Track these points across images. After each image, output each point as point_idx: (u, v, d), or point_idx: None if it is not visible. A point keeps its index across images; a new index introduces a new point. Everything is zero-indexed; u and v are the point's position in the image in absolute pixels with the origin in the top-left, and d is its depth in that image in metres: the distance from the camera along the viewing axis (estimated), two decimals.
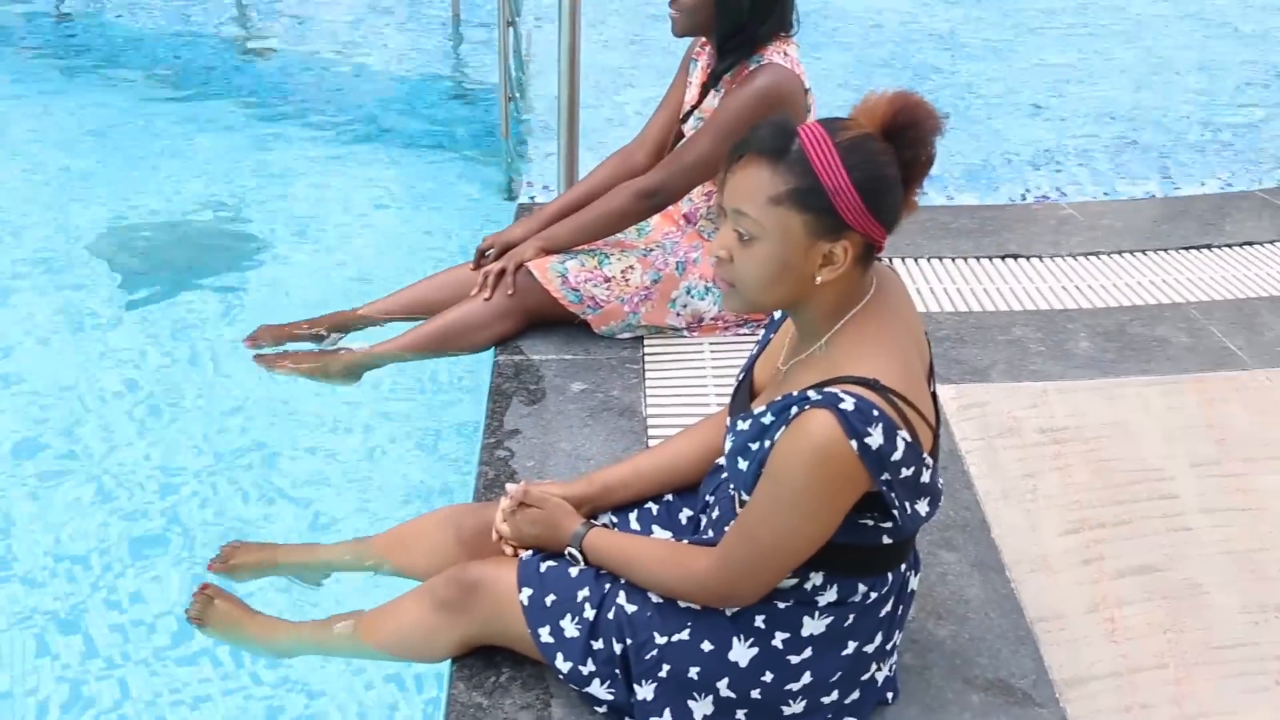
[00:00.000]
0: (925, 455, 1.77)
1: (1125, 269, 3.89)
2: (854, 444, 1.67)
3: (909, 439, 1.72)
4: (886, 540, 1.86)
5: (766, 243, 1.72)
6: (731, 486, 1.94)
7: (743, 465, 1.86)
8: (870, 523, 1.83)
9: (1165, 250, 4.05)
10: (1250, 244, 4.11)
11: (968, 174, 5.07)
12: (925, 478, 1.79)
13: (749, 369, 2.06)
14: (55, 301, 3.78)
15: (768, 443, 1.79)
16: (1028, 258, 3.95)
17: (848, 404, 1.68)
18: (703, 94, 3.13)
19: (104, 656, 2.52)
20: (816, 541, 1.80)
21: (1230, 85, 6.34)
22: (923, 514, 1.83)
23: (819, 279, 1.75)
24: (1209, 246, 4.08)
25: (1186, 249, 4.07)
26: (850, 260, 1.74)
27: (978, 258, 3.94)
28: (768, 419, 1.81)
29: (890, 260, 3.84)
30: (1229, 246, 4.10)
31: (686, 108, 3.19)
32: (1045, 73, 6.43)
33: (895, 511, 1.77)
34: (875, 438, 1.68)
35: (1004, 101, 6.00)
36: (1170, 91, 6.21)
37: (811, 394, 1.73)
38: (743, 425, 1.88)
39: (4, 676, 2.45)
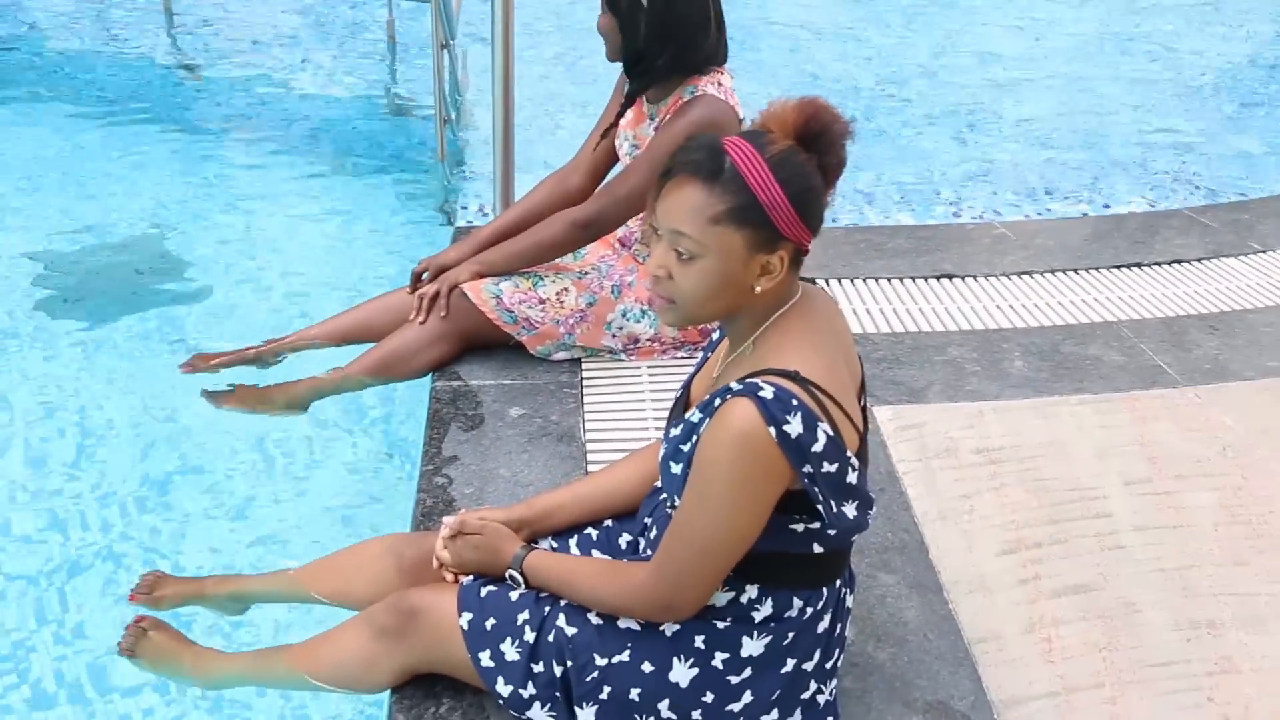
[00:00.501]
0: (849, 454, 1.79)
1: (1058, 288, 3.94)
2: (772, 430, 1.70)
3: (830, 432, 1.74)
4: (818, 548, 1.87)
5: (707, 260, 1.75)
6: (665, 496, 1.95)
7: (675, 469, 1.88)
8: (799, 527, 1.84)
9: (1097, 269, 4.11)
10: (1179, 262, 4.19)
11: (903, 194, 5.12)
12: (851, 478, 1.81)
13: (686, 386, 2.08)
14: None
15: (697, 439, 1.81)
16: (963, 277, 3.99)
17: (766, 392, 1.71)
18: (621, 112, 3.17)
19: (35, 692, 2.48)
20: (746, 537, 1.81)
21: (1160, 105, 6.45)
22: (850, 517, 1.84)
23: (758, 289, 1.79)
24: (1139, 265, 4.15)
25: (1118, 267, 4.13)
26: (785, 268, 1.79)
27: (913, 278, 3.97)
28: (695, 418, 1.83)
29: (828, 281, 3.87)
30: (1159, 265, 4.16)
31: (620, 137, 3.20)
32: (978, 93, 6.51)
33: (820, 508, 1.79)
34: (794, 426, 1.71)
35: (937, 122, 6.06)
36: (1101, 111, 6.31)
37: (734, 384, 1.76)
38: (675, 431, 1.90)
39: None
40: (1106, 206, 5.05)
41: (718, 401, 1.77)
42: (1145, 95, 6.59)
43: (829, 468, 1.76)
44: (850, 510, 1.83)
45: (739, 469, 1.74)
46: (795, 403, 1.72)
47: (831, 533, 1.85)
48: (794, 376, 1.75)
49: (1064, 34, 7.72)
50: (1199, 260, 4.21)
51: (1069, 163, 5.55)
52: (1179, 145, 5.86)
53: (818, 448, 1.74)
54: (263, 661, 2.37)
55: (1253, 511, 2.79)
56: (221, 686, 2.42)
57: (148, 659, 2.44)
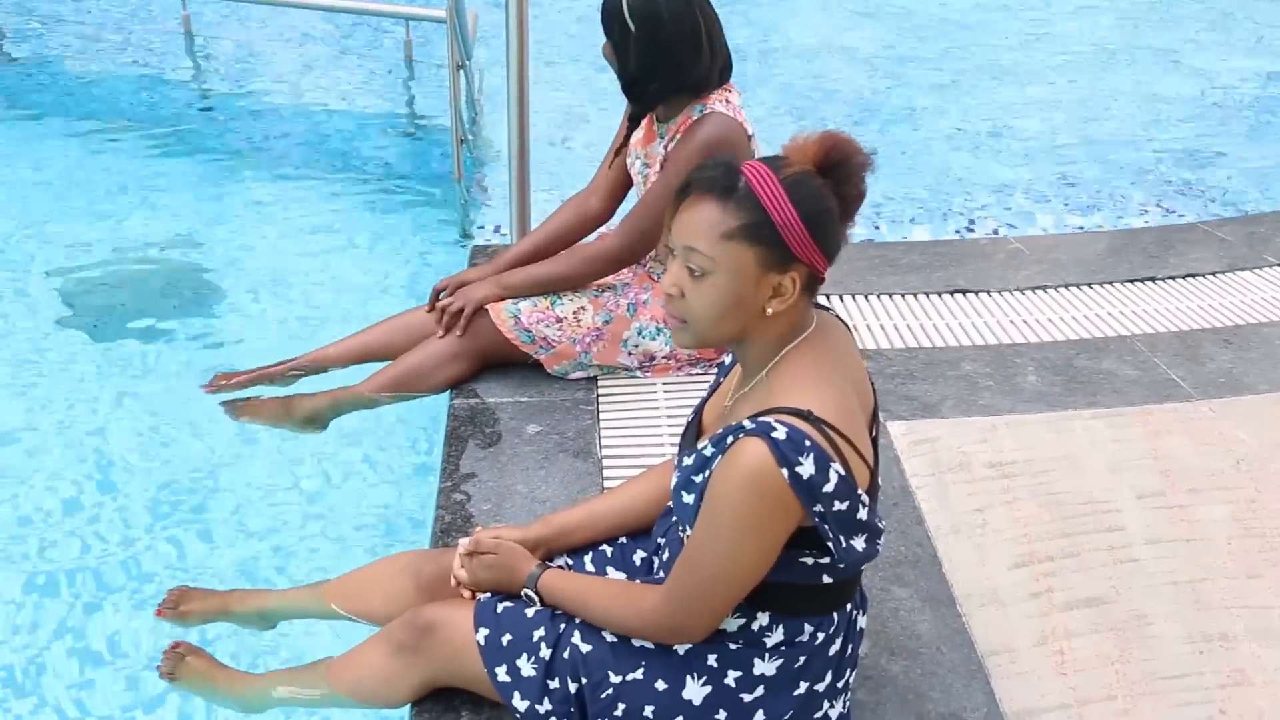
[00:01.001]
0: (860, 492, 1.81)
1: (1072, 302, 3.96)
2: (785, 472, 1.71)
3: (842, 472, 1.76)
4: (827, 579, 1.89)
5: (719, 277, 1.77)
6: (677, 522, 1.97)
7: (688, 499, 1.90)
8: (809, 560, 1.86)
9: (1111, 283, 4.12)
10: (1193, 275, 4.19)
11: (918, 210, 5.14)
12: (862, 514, 1.83)
13: (698, 411, 2.10)
14: (10, 345, 3.78)
15: (709, 474, 1.83)
16: (976, 293, 4.01)
17: (780, 433, 1.73)
18: (627, 137, 3.22)
19: (59, 709, 2.52)
20: (755, 571, 1.83)
21: (1174, 118, 6.46)
22: (859, 550, 1.86)
23: (769, 310, 1.81)
24: (1153, 279, 4.16)
25: (1132, 281, 4.14)
26: (798, 291, 1.80)
27: (927, 294, 3.99)
28: (708, 451, 1.85)
29: (841, 297, 3.90)
30: (1172, 279, 4.17)
31: (631, 157, 3.24)
32: (993, 109, 6.53)
33: (830, 545, 1.81)
34: (806, 467, 1.72)
35: (952, 137, 6.09)
36: (1116, 125, 6.32)
37: (746, 423, 1.78)
38: (687, 460, 1.92)
39: None
40: (1121, 218, 5.06)
41: (730, 439, 1.78)
42: (1160, 109, 6.60)
43: (840, 506, 1.78)
44: (859, 544, 1.85)
45: (750, 507, 1.75)
46: (808, 444, 1.73)
47: (841, 566, 1.87)
48: (807, 416, 1.76)
49: (1078, 48, 7.73)
50: (1213, 274, 4.21)
51: (1084, 177, 5.57)
52: (1195, 159, 5.87)
53: (829, 488, 1.75)
54: (291, 680, 2.42)
55: (1266, 525, 2.81)
56: (256, 709, 2.46)
57: (186, 682, 2.50)
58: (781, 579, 1.86)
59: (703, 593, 1.86)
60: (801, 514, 1.76)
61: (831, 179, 1.78)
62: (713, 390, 2.13)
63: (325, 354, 3.47)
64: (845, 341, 1.97)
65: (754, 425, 1.76)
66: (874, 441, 1.93)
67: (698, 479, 1.87)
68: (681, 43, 2.97)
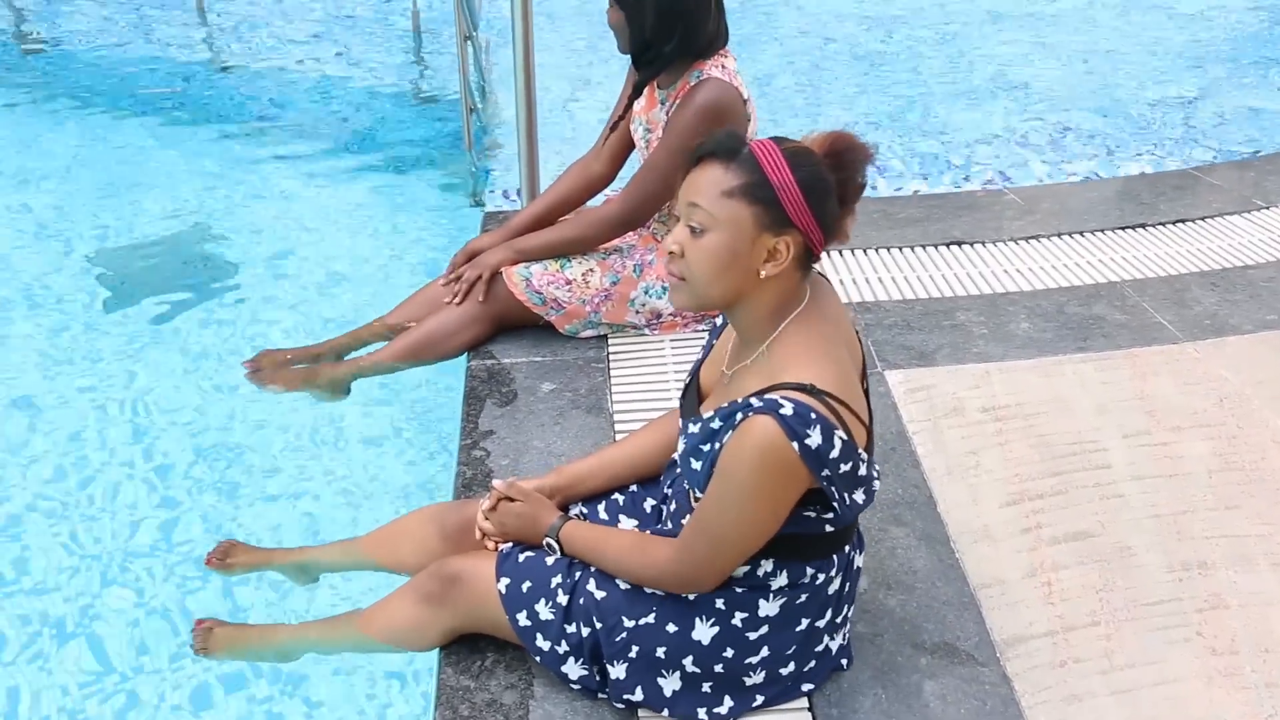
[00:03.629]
0: (861, 451, 1.93)
1: (1064, 251, 4.04)
2: (795, 445, 1.82)
3: (845, 438, 1.87)
4: (829, 529, 2.01)
5: (718, 233, 1.86)
6: (686, 484, 2.08)
7: (696, 465, 2.01)
8: (813, 514, 1.98)
9: (1102, 231, 4.20)
10: (1182, 221, 4.27)
11: (916, 162, 5.21)
12: (862, 470, 1.95)
13: (695, 373, 2.21)
14: (50, 322, 3.89)
15: (717, 445, 1.93)
16: (971, 244, 4.09)
17: (787, 409, 1.83)
18: (630, 101, 3.29)
19: (113, 659, 2.66)
20: (764, 533, 1.95)
21: (1165, 66, 6.48)
22: (860, 502, 1.98)
23: (763, 274, 1.89)
24: (1143, 226, 4.24)
25: (1122, 229, 4.22)
26: (791, 258, 1.88)
27: (924, 246, 4.07)
28: (716, 424, 1.95)
29: (841, 252, 3.98)
30: (1163, 225, 4.25)
31: (634, 122, 3.33)
32: (987, 62, 6.56)
33: (835, 504, 1.93)
34: (814, 438, 1.83)
35: (947, 88, 6.13)
36: (1107, 74, 6.35)
37: (754, 401, 1.88)
38: (693, 429, 2.02)
39: (19, 674, 2.59)
40: (1116, 167, 5.12)
41: (739, 416, 1.88)
42: (1153, 57, 6.62)
43: (844, 468, 1.89)
44: (860, 496, 1.98)
45: (762, 479, 1.87)
46: (814, 416, 1.83)
47: (842, 517, 1.99)
48: (810, 390, 1.86)
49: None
50: (1203, 219, 4.28)
51: (1078, 126, 5.61)
52: (1187, 105, 5.91)
53: (834, 454, 1.86)
54: (327, 629, 2.54)
55: (1246, 459, 2.90)
56: (293, 657, 2.59)
57: (221, 651, 2.61)
58: (786, 531, 1.97)
59: (713, 553, 1.98)
60: (810, 480, 1.88)
61: (834, 164, 1.87)
62: (706, 352, 2.23)
63: (359, 335, 3.57)
64: (835, 306, 2.06)
65: (762, 403, 1.85)
66: (865, 394, 2.04)
67: (705, 448, 1.97)
68: (694, 4, 3.05)
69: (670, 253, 1.92)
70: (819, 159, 1.86)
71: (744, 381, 1.97)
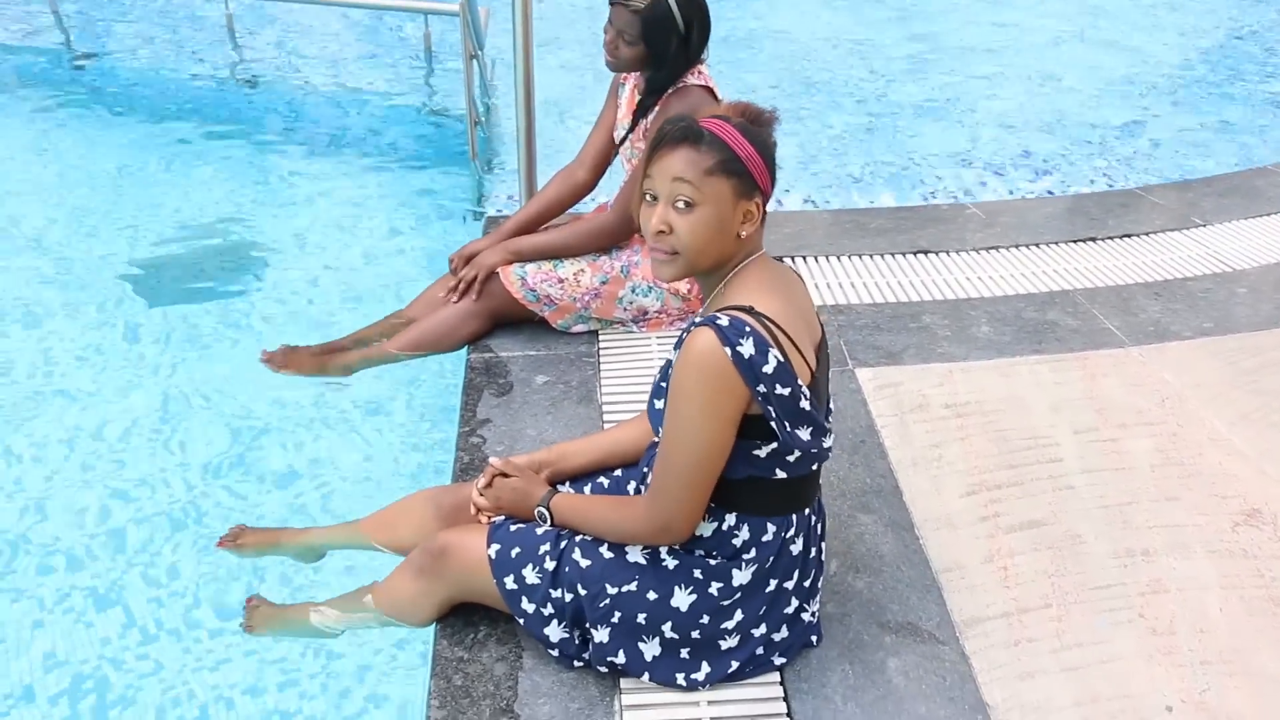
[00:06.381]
0: (801, 384, 1.90)
1: (1022, 261, 4.00)
2: (728, 350, 1.83)
3: (780, 359, 1.86)
4: (781, 474, 1.98)
5: (706, 207, 1.88)
6: (655, 429, 2.06)
7: (659, 405, 2.01)
8: (762, 452, 1.95)
9: (1056, 243, 4.16)
10: (1128, 236, 4.23)
11: (886, 178, 5.17)
12: (804, 405, 1.91)
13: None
14: (81, 315, 3.83)
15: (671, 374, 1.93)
16: (937, 253, 4.05)
17: (723, 320, 1.85)
18: (635, 121, 3.19)
19: (138, 625, 2.61)
20: (718, 449, 1.91)
21: (1113, 94, 6.45)
22: (804, 440, 1.94)
23: (743, 234, 1.93)
24: (1093, 239, 4.20)
25: (1075, 242, 4.18)
26: (759, 215, 1.94)
27: (893, 254, 4.03)
28: (672, 355, 1.97)
29: (818, 258, 3.93)
30: (1111, 239, 4.21)
31: (620, 132, 3.27)
32: (954, 87, 6.53)
33: (775, 428, 1.89)
34: (746, 348, 1.83)
35: (917, 112, 6.09)
36: (1062, 101, 6.32)
37: (696, 318, 1.90)
38: (659, 378, 2.03)
39: (56, 643, 2.55)
40: (1068, 187, 5.08)
41: (684, 335, 1.90)
42: (1104, 86, 6.59)
43: (781, 390, 1.87)
44: (804, 434, 1.94)
45: (703, 387, 1.85)
46: (748, 330, 1.84)
47: (790, 459, 1.96)
48: (749, 310, 1.88)
49: (1034, 29, 7.71)
50: (1147, 234, 4.25)
51: (1035, 148, 5.58)
52: (1134, 131, 5.88)
53: (768, 369, 1.85)
54: (346, 605, 2.49)
55: (1184, 455, 2.87)
56: (324, 635, 2.53)
57: (266, 628, 2.57)
58: (742, 474, 1.95)
59: (677, 482, 1.94)
60: (746, 393, 1.86)
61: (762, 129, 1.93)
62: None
63: (368, 332, 3.52)
64: (792, 278, 2.06)
65: (702, 320, 1.87)
66: (820, 359, 2.01)
67: (665, 385, 1.98)
68: (707, 25, 3.02)
69: (660, 232, 1.91)
70: (754, 128, 1.92)
71: None
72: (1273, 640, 2.31)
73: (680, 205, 1.88)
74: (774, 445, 1.94)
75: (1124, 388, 3.16)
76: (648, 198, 1.94)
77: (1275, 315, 3.60)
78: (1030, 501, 2.70)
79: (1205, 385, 3.18)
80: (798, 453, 1.96)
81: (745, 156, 1.88)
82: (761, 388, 1.85)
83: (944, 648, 2.26)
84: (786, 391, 1.88)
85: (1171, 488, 2.75)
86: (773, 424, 1.89)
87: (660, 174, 1.90)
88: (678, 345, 1.95)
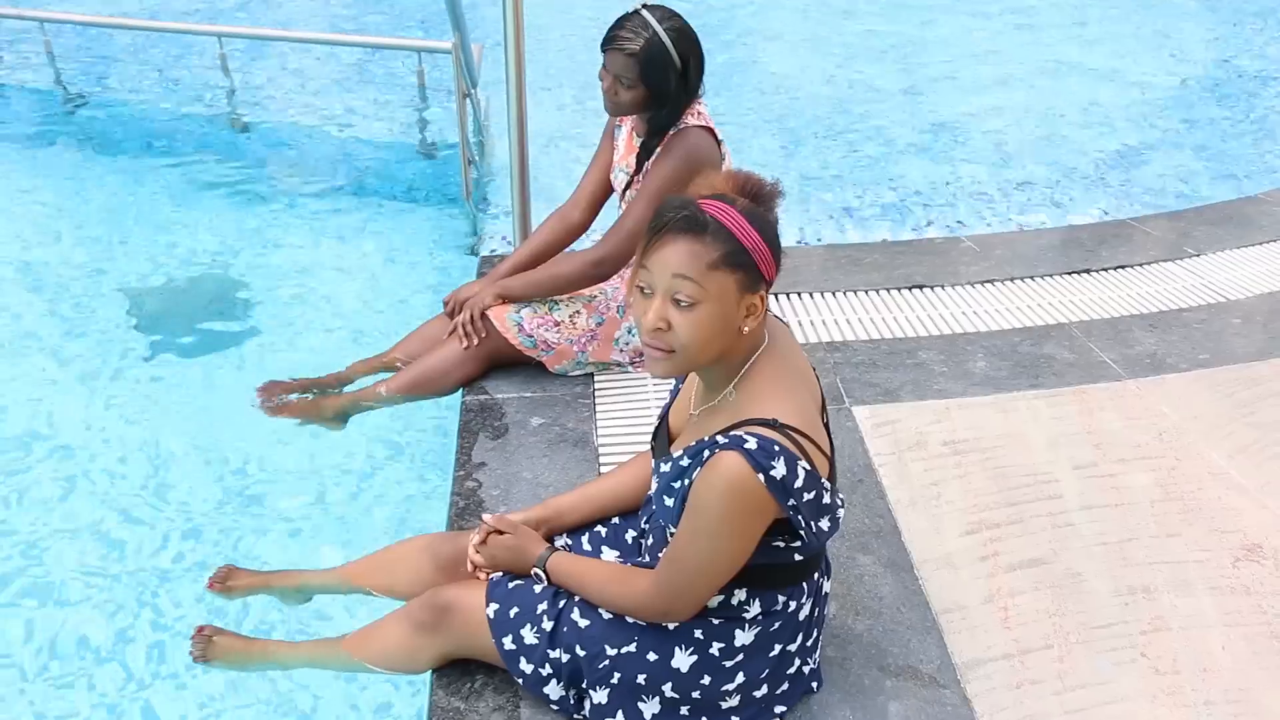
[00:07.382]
0: (824, 480, 1.86)
1: (1017, 294, 4.00)
2: (761, 477, 1.76)
3: (808, 467, 1.81)
4: (798, 557, 1.95)
5: (709, 305, 1.77)
6: (661, 520, 2.01)
7: (669, 502, 1.95)
8: (782, 544, 1.92)
9: (1051, 276, 4.16)
10: (1123, 267, 4.24)
11: (879, 211, 5.17)
12: (826, 499, 1.88)
13: (664, 417, 2.15)
14: (79, 352, 3.83)
15: (687, 482, 1.87)
16: (932, 287, 4.05)
17: (752, 443, 1.77)
18: (639, 164, 3.15)
19: (132, 672, 2.60)
20: (735, 563, 1.88)
21: (1107, 126, 6.48)
22: (826, 530, 1.92)
23: (745, 329, 1.83)
24: (1089, 271, 4.20)
25: (1069, 274, 4.18)
26: (763, 308, 1.83)
27: (888, 289, 4.03)
28: (685, 461, 1.89)
29: (812, 294, 3.93)
30: (1105, 270, 4.21)
31: (620, 175, 3.26)
32: (949, 118, 6.55)
33: (802, 533, 1.86)
34: (779, 469, 1.77)
35: (909, 145, 6.11)
36: (1056, 132, 6.34)
37: (720, 438, 1.82)
38: (665, 468, 1.96)
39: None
40: (1064, 217, 5.09)
41: (706, 453, 1.83)
42: (1096, 117, 6.62)
43: (809, 496, 1.83)
44: (825, 524, 1.91)
45: (731, 511, 1.80)
46: (777, 448, 1.78)
47: (808, 543, 1.93)
48: (773, 424, 1.80)
49: (1024, 62, 7.74)
50: (1140, 265, 4.26)
51: (1029, 180, 5.59)
52: (1127, 161, 5.90)
53: (799, 484, 1.80)
54: (322, 649, 2.47)
55: (1184, 489, 2.86)
56: (288, 667, 2.51)
57: (220, 660, 2.53)
58: (758, 561, 1.91)
59: (688, 584, 1.92)
60: (777, 510, 1.81)
61: (763, 206, 1.82)
62: (674, 397, 2.17)
63: (355, 369, 3.52)
64: (791, 344, 2.00)
65: (727, 440, 1.80)
66: (826, 426, 1.98)
67: (676, 485, 1.91)
68: (702, 58, 3.00)
69: (656, 329, 1.80)
70: (761, 210, 1.80)
71: (711, 421, 1.91)
72: (1277, 679, 2.29)
73: (680, 302, 1.77)
74: (797, 543, 1.92)
75: (1122, 421, 3.15)
76: (643, 290, 1.83)
77: (1270, 345, 3.60)
78: (1030, 540, 2.69)
79: (1203, 418, 3.18)
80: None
81: (752, 247, 1.76)
82: (792, 502, 1.81)
83: (945, 691, 2.25)
84: (812, 495, 1.84)
85: (1172, 523, 2.74)
86: (801, 532, 1.86)
87: (658, 267, 1.77)
88: (692, 455, 1.87)
